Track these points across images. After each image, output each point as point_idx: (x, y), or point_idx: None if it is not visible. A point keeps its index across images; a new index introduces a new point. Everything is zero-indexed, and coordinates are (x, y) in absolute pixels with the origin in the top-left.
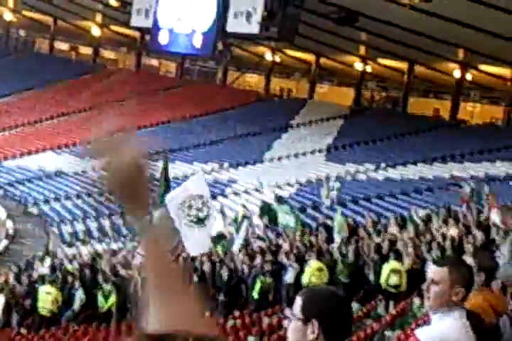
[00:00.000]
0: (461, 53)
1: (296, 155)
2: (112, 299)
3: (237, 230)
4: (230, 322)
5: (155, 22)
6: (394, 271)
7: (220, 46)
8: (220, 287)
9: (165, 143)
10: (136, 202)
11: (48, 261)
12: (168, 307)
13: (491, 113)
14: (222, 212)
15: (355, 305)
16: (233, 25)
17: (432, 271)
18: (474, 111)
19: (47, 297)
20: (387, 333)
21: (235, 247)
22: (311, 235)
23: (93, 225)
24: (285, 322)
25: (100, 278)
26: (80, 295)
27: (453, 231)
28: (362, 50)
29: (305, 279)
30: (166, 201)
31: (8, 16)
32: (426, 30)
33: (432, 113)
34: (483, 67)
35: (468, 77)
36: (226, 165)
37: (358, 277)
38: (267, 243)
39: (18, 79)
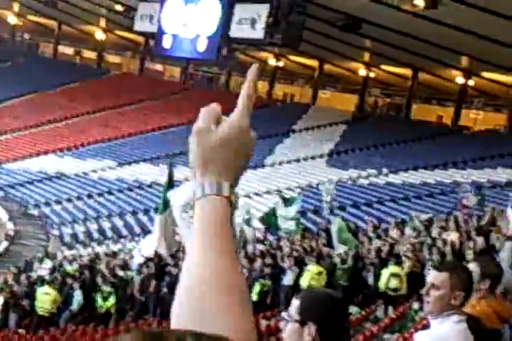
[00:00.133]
0: (464, 60)
1: (298, 160)
2: (111, 300)
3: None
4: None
5: (159, 27)
6: (394, 275)
7: (224, 51)
8: None
9: (168, 148)
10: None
11: (47, 262)
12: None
13: (494, 120)
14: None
15: (354, 309)
16: (237, 31)
17: (432, 275)
18: (477, 119)
19: (45, 297)
20: (386, 336)
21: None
22: (312, 239)
23: (93, 227)
24: (282, 324)
25: (99, 279)
26: (78, 297)
27: (453, 236)
28: (366, 56)
29: (304, 282)
30: (171, 202)
31: (13, 20)
32: (430, 37)
33: (435, 120)
34: (486, 74)
35: (472, 84)
36: None
37: (357, 281)
38: (267, 246)
39: (21, 83)
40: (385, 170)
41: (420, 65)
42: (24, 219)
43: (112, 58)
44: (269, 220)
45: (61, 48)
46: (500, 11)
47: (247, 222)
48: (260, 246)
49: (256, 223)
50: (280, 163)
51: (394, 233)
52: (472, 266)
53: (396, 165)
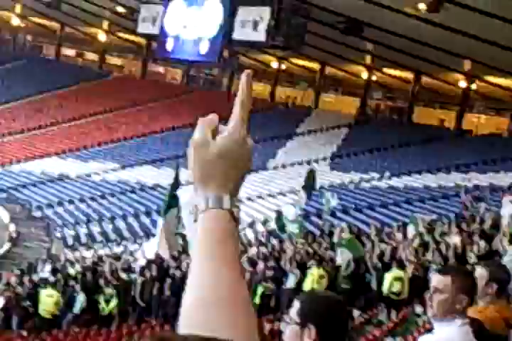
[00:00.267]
0: (467, 64)
1: (300, 163)
2: (114, 302)
3: None
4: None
5: (162, 29)
6: (396, 278)
7: (226, 54)
8: None
9: (170, 150)
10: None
11: (50, 264)
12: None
13: (496, 124)
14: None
15: (356, 312)
16: (240, 34)
17: (436, 279)
18: (479, 122)
19: (49, 300)
20: (388, 340)
21: None
22: (314, 242)
23: (96, 229)
24: (282, 326)
25: (102, 281)
26: (80, 299)
27: (456, 240)
28: (368, 59)
29: (307, 286)
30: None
31: (16, 22)
32: (432, 41)
33: (437, 123)
34: (489, 78)
35: (474, 87)
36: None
37: (360, 284)
38: (270, 249)
39: (24, 84)
40: (387, 174)
41: (423, 68)
42: (27, 221)
43: (115, 60)
44: (279, 222)
45: (64, 50)
46: (503, 15)
47: (250, 225)
48: (263, 249)
49: (259, 226)
50: (283, 166)
51: (397, 236)
52: (480, 270)
53: (398, 169)
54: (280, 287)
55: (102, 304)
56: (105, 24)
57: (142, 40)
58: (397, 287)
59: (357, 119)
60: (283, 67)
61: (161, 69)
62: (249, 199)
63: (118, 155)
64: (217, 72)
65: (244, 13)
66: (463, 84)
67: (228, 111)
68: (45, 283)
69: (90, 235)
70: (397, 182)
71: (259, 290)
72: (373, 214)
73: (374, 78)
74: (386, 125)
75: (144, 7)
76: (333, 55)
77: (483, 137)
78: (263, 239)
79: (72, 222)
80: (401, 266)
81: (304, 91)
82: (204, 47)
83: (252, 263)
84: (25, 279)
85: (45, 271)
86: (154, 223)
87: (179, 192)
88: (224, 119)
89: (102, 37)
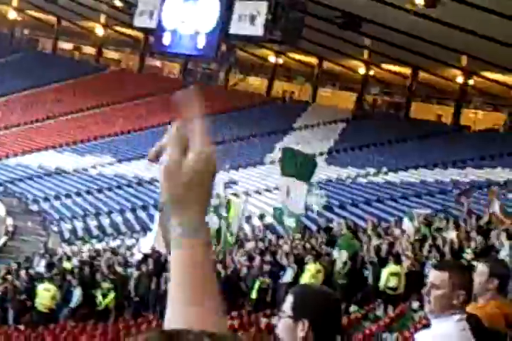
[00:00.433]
0: (464, 60)
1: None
2: (110, 297)
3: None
4: (228, 322)
5: (159, 23)
6: (393, 274)
7: (223, 48)
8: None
9: None
10: (196, 201)
11: (46, 258)
12: (190, 307)
13: (494, 119)
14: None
15: (353, 307)
16: (237, 28)
17: (433, 275)
18: (476, 118)
19: (46, 294)
20: (385, 335)
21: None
22: (311, 237)
23: (93, 223)
24: (275, 319)
25: (99, 276)
26: (77, 293)
27: (452, 235)
28: (365, 54)
29: (304, 281)
30: None
31: (13, 15)
32: (429, 36)
33: (434, 119)
34: (486, 73)
35: (471, 83)
36: (227, 166)
37: (356, 279)
38: (266, 244)
39: (21, 78)
40: (384, 169)
41: (420, 63)
42: (23, 214)
43: (112, 54)
44: (277, 215)
45: (60, 44)
46: (501, 10)
47: (247, 219)
48: (260, 244)
49: (255, 220)
50: (280, 161)
51: (394, 231)
52: (480, 266)
53: (395, 164)
54: (277, 281)
55: (99, 298)
56: (102, 18)
57: (139, 34)
58: (393, 282)
59: (354, 114)
60: (280, 61)
61: (158, 63)
62: (246, 193)
63: (115, 149)
64: (214, 66)
65: (241, 7)
66: (460, 79)
67: (225, 106)
68: (41, 277)
69: (87, 229)
70: (394, 177)
71: (256, 284)
72: (370, 209)
73: (371, 73)
74: (383, 120)
75: (141, 1)
76: (330, 50)
77: (480, 133)
78: (260, 234)
79: (68, 215)
80: (398, 261)
81: (301, 86)
82: (201, 42)
83: (249, 257)
84: (22, 273)
85: (40, 266)
86: (151, 217)
87: None
88: (220, 113)
89: (99, 31)
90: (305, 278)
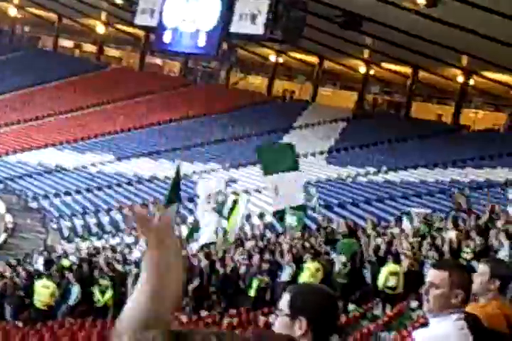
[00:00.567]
0: (465, 59)
1: (297, 157)
2: (109, 294)
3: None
4: (226, 320)
5: (160, 21)
6: (392, 273)
7: (224, 46)
8: (217, 285)
9: (167, 142)
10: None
11: (45, 255)
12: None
13: (494, 119)
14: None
15: (351, 306)
16: (238, 26)
17: (432, 274)
18: (477, 118)
19: (44, 291)
20: (383, 334)
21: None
22: (311, 236)
23: (92, 221)
24: (272, 317)
25: (97, 273)
26: (75, 290)
27: (451, 235)
28: (366, 54)
29: (302, 279)
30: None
31: (14, 12)
32: (430, 36)
33: (434, 118)
34: (486, 73)
35: (472, 83)
36: (227, 165)
37: (355, 278)
38: (265, 242)
39: (21, 75)
40: (384, 168)
41: (421, 63)
42: (23, 212)
43: (113, 52)
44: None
45: (61, 41)
46: (502, 10)
47: (247, 218)
48: (259, 242)
49: (255, 219)
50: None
51: (393, 231)
52: (481, 267)
53: (395, 163)
54: (275, 280)
55: (98, 295)
56: (103, 16)
57: (140, 32)
58: (392, 281)
59: (354, 113)
60: (281, 60)
61: (159, 61)
62: (246, 192)
63: (115, 147)
64: (215, 64)
65: (242, 6)
66: (461, 79)
67: (224, 104)
68: (40, 274)
69: (86, 227)
70: (393, 176)
71: (255, 283)
72: (370, 209)
73: (372, 72)
74: (383, 119)
75: None
76: (331, 49)
77: (480, 132)
78: (259, 233)
79: (68, 213)
80: (397, 260)
81: (301, 85)
82: (202, 40)
83: (248, 256)
84: (21, 270)
85: (39, 263)
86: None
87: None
88: (220, 111)
89: (100, 28)
90: (304, 277)
